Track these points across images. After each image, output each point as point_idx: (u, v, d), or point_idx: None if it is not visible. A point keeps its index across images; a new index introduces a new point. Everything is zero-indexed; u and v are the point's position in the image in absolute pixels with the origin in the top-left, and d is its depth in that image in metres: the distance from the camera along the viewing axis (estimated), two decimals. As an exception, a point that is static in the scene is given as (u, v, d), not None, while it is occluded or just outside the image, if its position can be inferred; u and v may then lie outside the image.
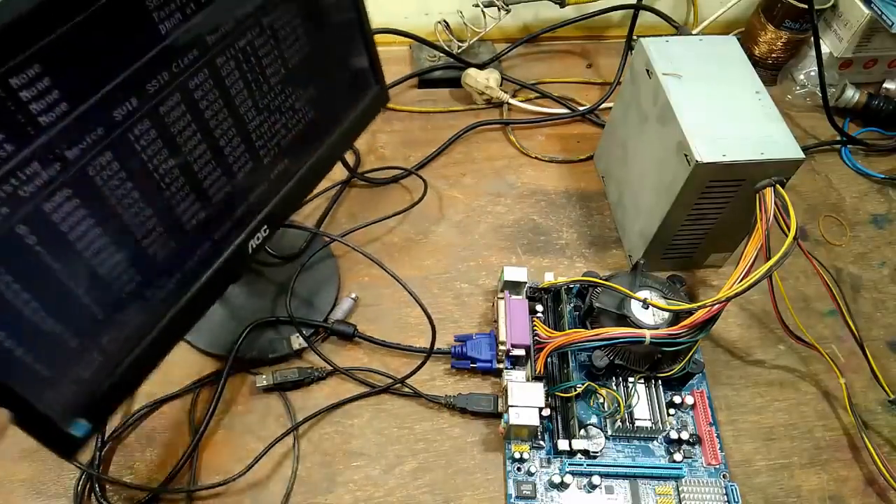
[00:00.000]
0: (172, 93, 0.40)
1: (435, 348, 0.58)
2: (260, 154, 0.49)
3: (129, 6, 0.36)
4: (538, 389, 0.52)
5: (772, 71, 0.84)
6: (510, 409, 0.51)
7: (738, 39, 0.64)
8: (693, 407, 0.56)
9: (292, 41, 0.48)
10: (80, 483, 0.50)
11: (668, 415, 0.55)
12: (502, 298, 0.57)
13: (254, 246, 0.51)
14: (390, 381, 0.57)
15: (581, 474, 0.52)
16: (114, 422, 0.53)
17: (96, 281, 0.40)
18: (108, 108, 0.37)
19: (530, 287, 0.60)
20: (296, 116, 0.51)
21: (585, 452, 0.53)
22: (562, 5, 0.81)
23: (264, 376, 0.55)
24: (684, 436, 0.54)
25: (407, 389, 0.56)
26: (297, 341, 0.57)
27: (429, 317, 0.52)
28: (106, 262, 0.40)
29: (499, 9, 0.79)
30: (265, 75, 0.47)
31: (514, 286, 0.59)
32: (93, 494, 0.50)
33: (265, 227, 0.51)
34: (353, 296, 0.61)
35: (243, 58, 0.44)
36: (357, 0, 0.54)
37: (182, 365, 0.57)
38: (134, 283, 0.42)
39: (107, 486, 0.51)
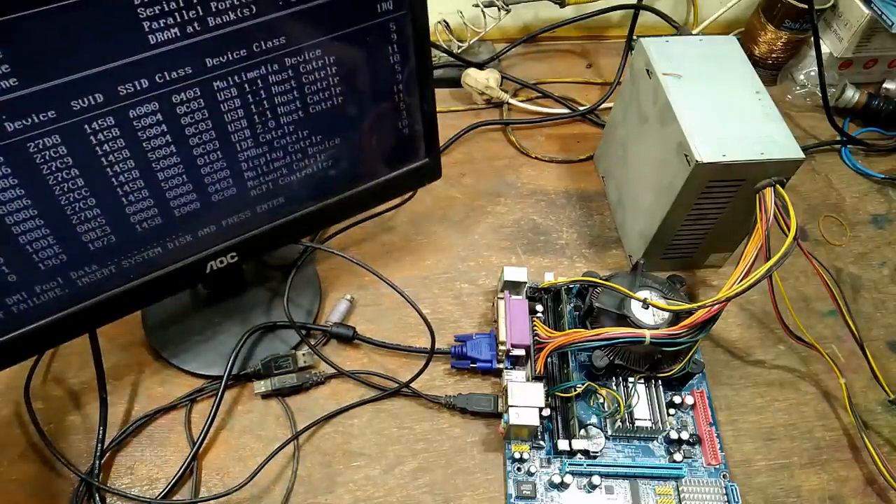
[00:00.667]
0: (149, 101, 0.39)
1: (436, 348, 0.58)
2: (248, 185, 0.48)
3: (115, 11, 0.36)
4: (538, 389, 0.52)
5: (772, 71, 0.84)
6: (510, 409, 0.51)
7: (738, 39, 0.64)
8: (693, 407, 0.56)
9: (319, 88, 0.46)
10: (79, 492, 0.50)
11: (668, 415, 0.55)
12: (502, 298, 0.57)
13: (214, 267, 0.50)
14: (391, 383, 0.57)
15: (581, 474, 0.52)
16: (113, 430, 0.53)
17: (13, 245, 0.40)
18: (66, 95, 0.37)
19: (530, 287, 0.60)
20: (305, 161, 0.49)
21: (585, 452, 0.53)
22: (562, 5, 0.81)
23: (262, 382, 0.55)
24: (684, 436, 0.54)
25: (407, 390, 0.56)
26: (303, 358, 0.56)
27: (424, 319, 0.52)
28: (29, 232, 0.40)
29: (499, 9, 0.79)
30: (275, 112, 0.45)
31: (514, 286, 0.59)
32: (91, 501, 0.50)
33: (233, 253, 0.50)
34: (349, 297, 0.61)
35: (250, 89, 0.43)
36: (426, 81, 0.50)
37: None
38: (58, 259, 0.42)
39: (106, 497, 0.51)
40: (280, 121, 0.46)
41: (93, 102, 0.38)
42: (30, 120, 0.36)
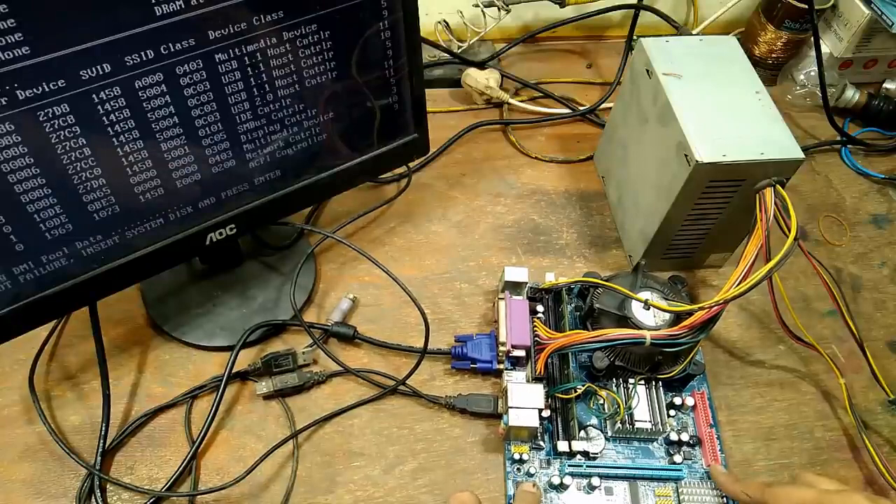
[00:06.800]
0: (154, 72, 0.41)
1: (436, 349, 0.58)
2: (246, 157, 0.49)
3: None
4: (538, 391, 0.52)
5: (772, 71, 0.84)
6: (510, 410, 0.51)
7: (738, 39, 0.64)
8: (693, 408, 0.56)
9: (315, 63, 0.47)
10: (84, 485, 0.50)
11: (669, 416, 0.55)
12: (503, 299, 0.57)
13: (214, 239, 0.51)
14: (389, 382, 0.56)
15: (581, 475, 0.52)
16: (114, 429, 0.53)
17: (21, 214, 0.41)
18: (75, 65, 0.38)
19: (531, 287, 0.60)
20: (301, 134, 0.51)
21: (585, 454, 0.53)
22: (562, 5, 0.81)
23: (263, 383, 0.55)
24: (684, 437, 0.54)
25: (407, 390, 0.56)
26: (303, 356, 0.56)
27: (421, 311, 0.53)
28: (37, 201, 0.41)
29: (499, 9, 0.79)
30: (273, 85, 0.46)
31: (514, 286, 0.59)
32: (93, 497, 0.50)
33: (232, 225, 0.52)
34: (351, 296, 0.61)
35: (250, 62, 0.44)
36: (415, 58, 0.52)
37: (184, 363, 0.57)
38: (64, 229, 0.43)
39: (108, 492, 0.51)
40: (277, 94, 0.47)
41: (100, 72, 0.39)
42: (40, 88, 0.37)
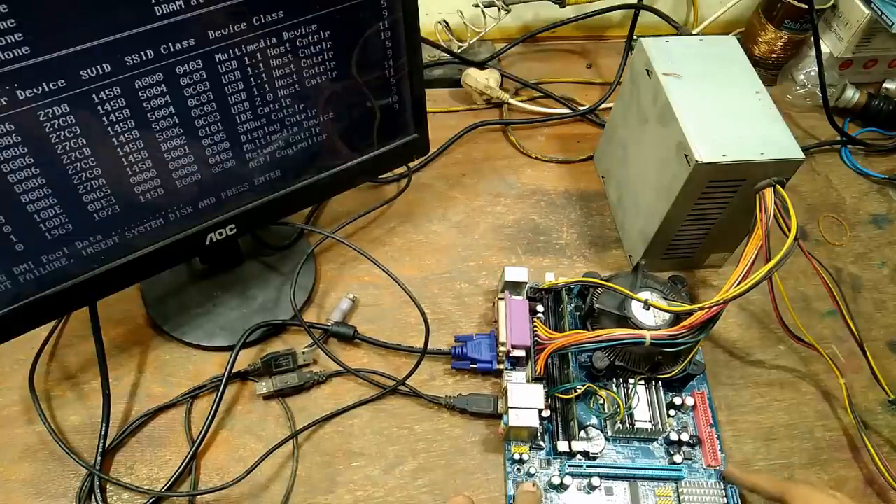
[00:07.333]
0: (154, 71, 0.41)
1: (436, 349, 0.58)
2: (246, 157, 0.49)
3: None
4: (538, 391, 0.52)
5: (772, 71, 0.84)
6: (510, 410, 0.51)
7: (738, 39, 0.64)
8: (693, 408, 0.56)
9: (315, 63, 0.47)
10: (84, 485, 0.50)
11: (669, 416, 0.55)
12: (503, 299, 0.57)
13: (214, 239, 0.51)
14: (389, 382, 0.56)
15: (581, 475, 0.52)
16: (114, 429, 0.53)
17: (21, 214, 0.41)
18: (75, 65, 0.38)
19: (531, 287, 0.60)
20: (301, 134, 0.51)
21: (585, 454, 0.53)
22: (562, 5, 0.81)
23: (263, 383, 0.55)
24: (684, 437, 0.54)
25: (407, 390, 0.56)
26: (303, 357, 0.56)
27: (421, 311, 0.53)
28: (37, 201, 0.41)
29: (499, 9, 0.79)
30: (273, 86, 0.47)
31: (514, 286, 0.59)
32: (93, 497, 0.50)
33: (232, 225, 0.52)
34: (351, 296, 0.61)
35: (249, 62, 0.44)
36: (415, 58, 0.52)
37: (183, 363, 0.57)
38: (64, 229, 0.43)
39: (108, 492, 0.51)
40: (277, 94, 0.47)
41: (100, 72, 0.39)
42: (40, 88, 0.37)
